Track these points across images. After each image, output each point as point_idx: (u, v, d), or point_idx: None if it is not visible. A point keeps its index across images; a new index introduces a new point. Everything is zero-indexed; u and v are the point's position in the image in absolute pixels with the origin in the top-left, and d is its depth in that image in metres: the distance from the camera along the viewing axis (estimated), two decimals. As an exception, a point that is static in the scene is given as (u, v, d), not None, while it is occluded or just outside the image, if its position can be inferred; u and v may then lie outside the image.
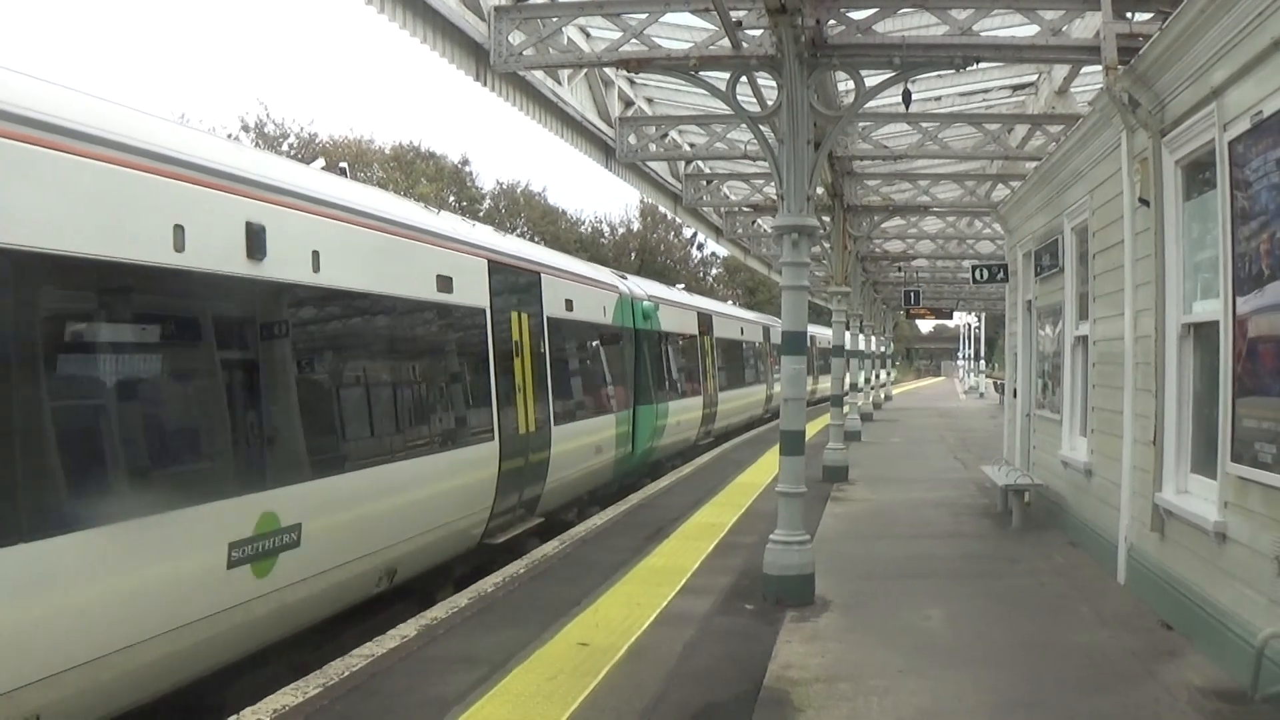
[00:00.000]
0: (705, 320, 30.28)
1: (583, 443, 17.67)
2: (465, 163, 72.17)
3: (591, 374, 19.54)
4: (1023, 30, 12.06)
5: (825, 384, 40.41)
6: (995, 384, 59.22)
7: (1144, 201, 10.20)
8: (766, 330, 41.43)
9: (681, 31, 13.95)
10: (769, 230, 29.45)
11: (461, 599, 10.85)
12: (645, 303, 23.02)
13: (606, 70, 17.20)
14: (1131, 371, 10.83)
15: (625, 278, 24.09)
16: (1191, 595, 8.91)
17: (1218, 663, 8.16)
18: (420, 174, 64.46)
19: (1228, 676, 7.84)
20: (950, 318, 69.34)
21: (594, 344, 19.75)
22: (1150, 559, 10.17)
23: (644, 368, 22.51)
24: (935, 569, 12.52)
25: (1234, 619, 7.90)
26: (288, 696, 7.81)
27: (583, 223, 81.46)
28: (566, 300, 17.45)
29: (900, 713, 7.48)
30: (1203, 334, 9.14)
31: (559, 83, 16.38)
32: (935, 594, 11.15)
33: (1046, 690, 7.96)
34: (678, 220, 53.12)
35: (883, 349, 57.69)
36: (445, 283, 12.67)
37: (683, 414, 26.02)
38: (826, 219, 22.09)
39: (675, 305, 27.38)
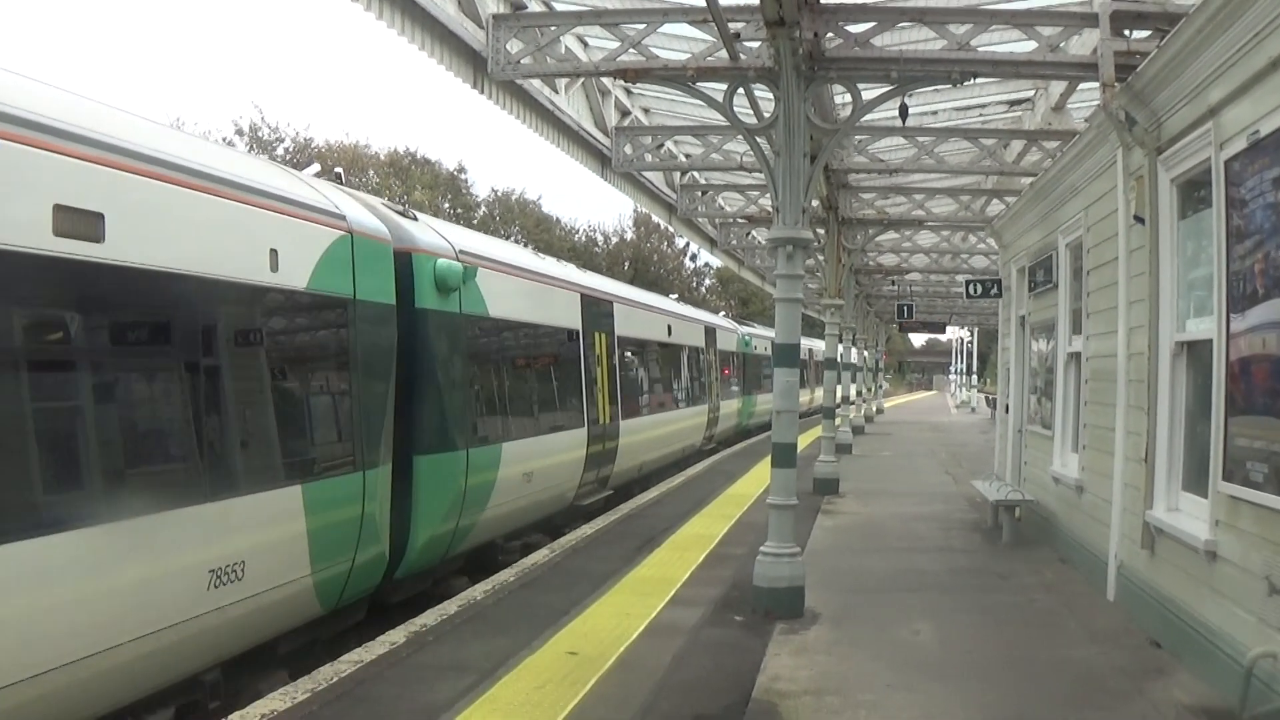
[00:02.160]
0: (597, 309, 20.06)
1: (141, 575, 7.51)
2: (461, 170, 72.29)
3: (226, 403, 8.93)
4: (1020, 46, 12.06)
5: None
6: (987, 399, 59.30)
7: (1139, 219, 10.22)
8: (710, 331, 32.89)
9: (679, 42, 13.96)
10: (763, 242, 29.42)
11: (451, 606, 10.84)
12: (443, 264, 12.74)
13: (604, 80, 17.21)
14: (1124, 388, 10.84)
15: (410, 216, 13.30)
16: (1181, 613, 8.91)
17: (1206, 681, 8.15)
18: (416, 180, 64.46)
19: (1216, 695, 7.83)
20: (943, 332, 69.53)
21: (239, 335, 9.28)
22: (1140, 576, 10.17)
23: (442, 382, 12.73)
24: (925, 583, 12.51)
25: (1223, 638, 7.90)
26: (275, 701, 7.81)
27: (577, 231, 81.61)
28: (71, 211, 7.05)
29: (889, 727, 7.47)
30: (1196, 352, 9.14)
31: (556, 91, 16.39)
32: (925, 608, 11.14)
33: (1035, 706, 7.96)
34: (671, 230, 53.18)
35: (876, 362, 57.22)
36: None
37: (542, 458, 15.96)
38: (821, 231, 22.10)
39: (529, 278, 16.50)
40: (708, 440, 31.80)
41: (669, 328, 26.97)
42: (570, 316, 18.41)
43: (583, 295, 19.21)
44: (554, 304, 17.68)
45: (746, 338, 39.87)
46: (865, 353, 46.34)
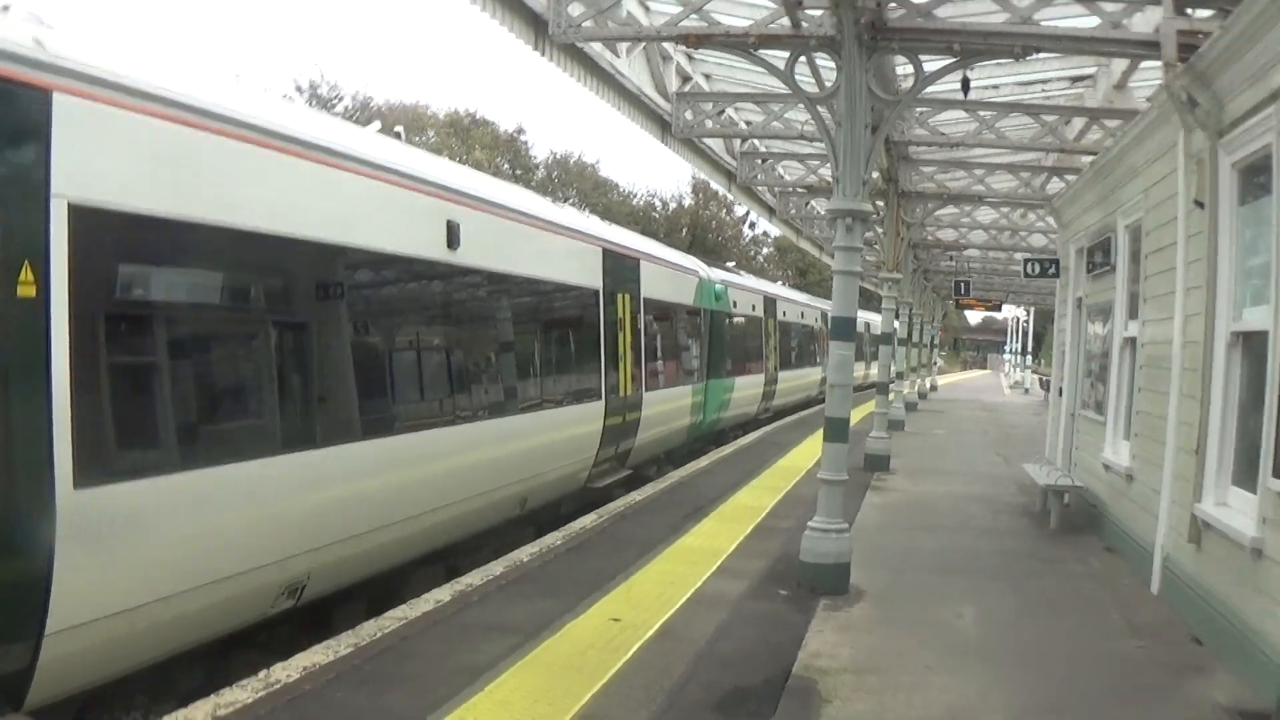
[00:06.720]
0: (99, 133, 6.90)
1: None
2: (520, 132, 72.50)
3: None
4: (1083, 21, 11.90)
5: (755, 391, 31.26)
6: (1041, 380, 58.80)
7: (1199, 203, 10.05)
8: (624, 268, 18.42)
9: (741, 8, 13.93)
10: (822, 212, 29.14)
11: (496, 567, 10.93)
12: None
13: (665, 45, 17.16)
14: (1178, 377, 10.69)
15: None
16: (1223, 610, 8.82)
17: (1245, 681, 8.08)
18: (476, 141, 64.60)
19: (1254, 697, 7.76)
20: (999, 310, 69.16)
21: None
22: (1185, 570, 10.07)
23: None
24: (971, 565, 12.47)
25: (1264, 638, 7.82)
26: (318, 655, 7.94)
27: (635, 196, 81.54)
28: None
29: (927, 710, 7.48)
30: (1252, 343, 8.99)
31: (617, 55, 16.36)
32: (969, 591, 11.11)
33: (1072, 697, 7.93)
34: (729, 197, 52.92)
35: (932, 338, 56.02)
36: None
37: None
38: (880, 204, 22.00)
39: None
40: (609, 465, 17.66)
41: (450, 230, 11.59)
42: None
43: None
44: None
45: (718, 288, 26.50)
46: (922, 328, 45.74)
